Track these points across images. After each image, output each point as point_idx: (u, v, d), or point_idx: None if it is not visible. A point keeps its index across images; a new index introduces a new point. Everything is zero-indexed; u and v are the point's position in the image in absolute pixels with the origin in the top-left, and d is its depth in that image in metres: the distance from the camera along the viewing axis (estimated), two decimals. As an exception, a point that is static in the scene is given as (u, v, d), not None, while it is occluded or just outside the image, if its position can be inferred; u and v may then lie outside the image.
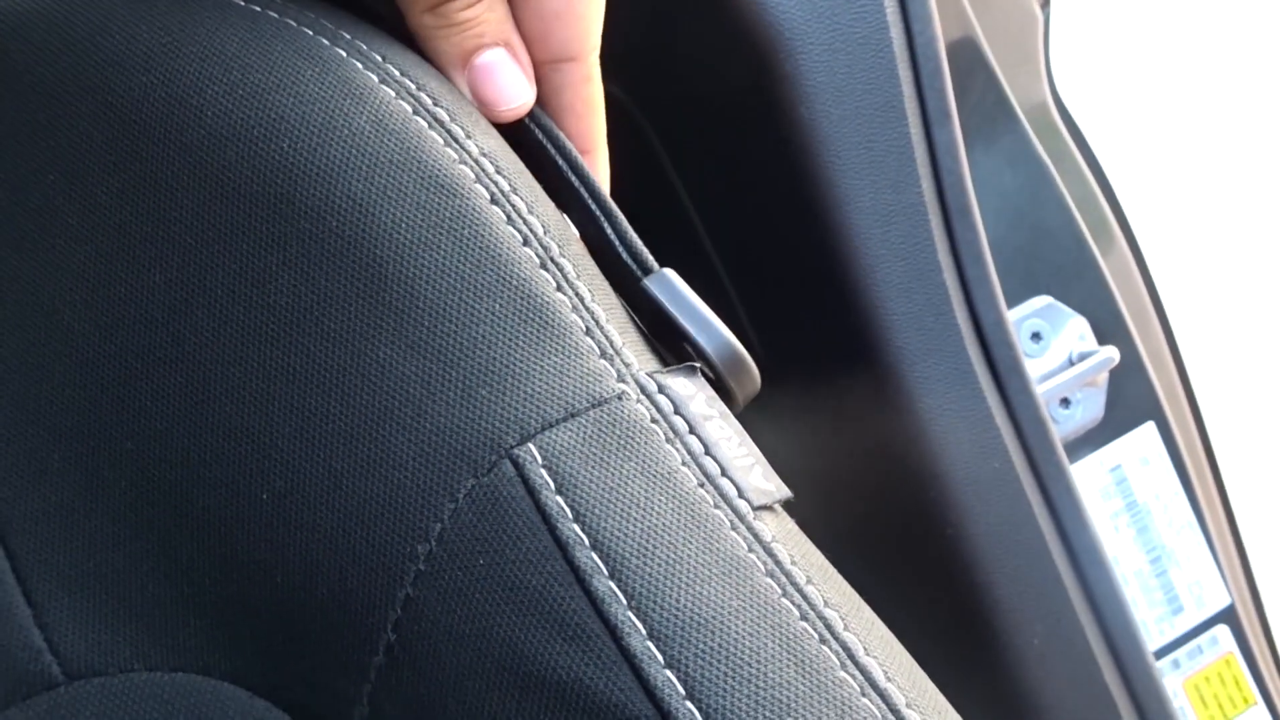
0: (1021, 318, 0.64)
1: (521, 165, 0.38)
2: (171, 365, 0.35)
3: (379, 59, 0.37)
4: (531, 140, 0.41)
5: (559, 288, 0.35)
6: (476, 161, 0.36)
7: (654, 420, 0.34)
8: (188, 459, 0.35)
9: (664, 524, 0.33)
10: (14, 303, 0.37)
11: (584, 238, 0.40)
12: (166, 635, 0.35)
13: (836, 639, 0.32)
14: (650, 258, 0.39)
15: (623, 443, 0.34)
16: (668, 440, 0.34)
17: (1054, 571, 0.54)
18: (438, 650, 0.32)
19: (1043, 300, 0.65)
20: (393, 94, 0.36)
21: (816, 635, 0.32)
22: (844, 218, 0.57)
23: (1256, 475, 0.78)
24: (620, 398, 0.34)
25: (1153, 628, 0.64)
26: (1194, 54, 0.96)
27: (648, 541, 0.32)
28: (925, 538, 0.57)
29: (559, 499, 0.33)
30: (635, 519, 0.32)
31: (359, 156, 0.35)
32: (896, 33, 0.57)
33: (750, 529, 0.33)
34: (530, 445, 0.33)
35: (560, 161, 0.40)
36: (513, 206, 0.36)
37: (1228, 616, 0.66)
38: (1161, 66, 0.94)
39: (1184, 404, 0.70)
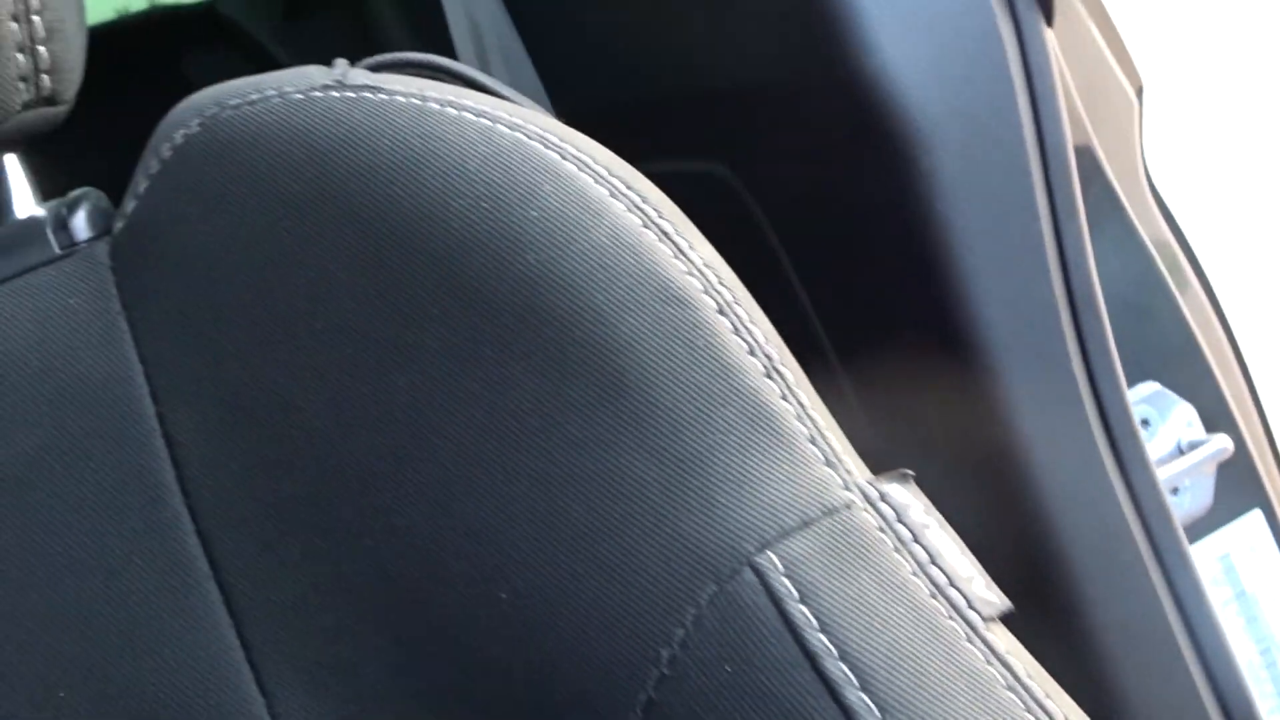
0: (1131, 404, 0.65)
1: (735, 276, 0.40)
2: (413, 464, 0.36)
3: (605, 172, 0.38)
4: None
5: (783, 396, 0.37)
6: (702, 272, 0.38)
7: (881, 529, 0.36)
8: (427, 556, 0.36)
9: (905, 635, 0.34)
10: (254, 401, 0.38)
11: None
12: None
13: None
14: None
15: (857, 552, 0.35)
16: (895, 549, 0.35)
17: (1183, 665, 0.56)
18: None
19: (1151, 386, 0.66)
20: (624, 207, 0.38)
21: None
22: (975, 311, 0.58)
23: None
24: (849, 506, 0.36)
25: (1265, 720, 0.65)
26: None
27: (892, 653, 0.33)
28: (1045, 622, 0.58)
29: (803, 608, 0.34)
30: (878, 630, 0.34)
31: (599, 269, 0.36)
32: (1029, 132, 0.59)
33: (985, 641, 0.34)
34: (770, 553, 0.35)
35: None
36: (737, 316, 0.37)
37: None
38: (1250, 152, 0.96)
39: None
